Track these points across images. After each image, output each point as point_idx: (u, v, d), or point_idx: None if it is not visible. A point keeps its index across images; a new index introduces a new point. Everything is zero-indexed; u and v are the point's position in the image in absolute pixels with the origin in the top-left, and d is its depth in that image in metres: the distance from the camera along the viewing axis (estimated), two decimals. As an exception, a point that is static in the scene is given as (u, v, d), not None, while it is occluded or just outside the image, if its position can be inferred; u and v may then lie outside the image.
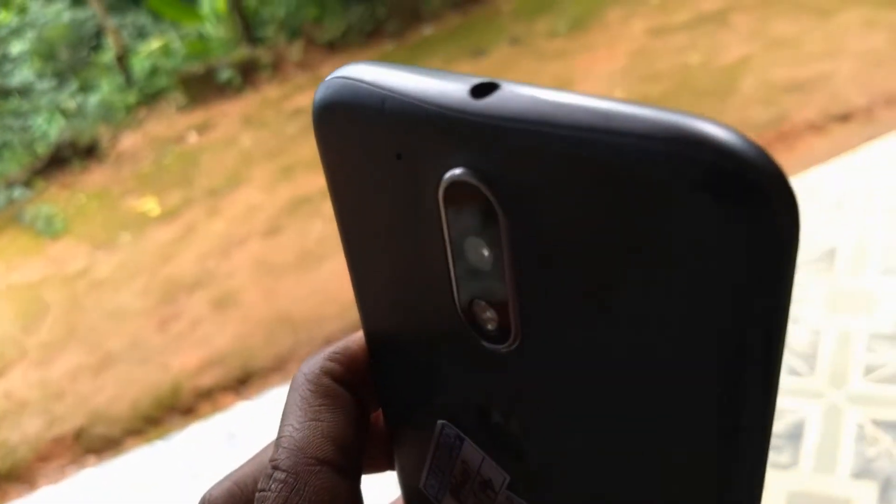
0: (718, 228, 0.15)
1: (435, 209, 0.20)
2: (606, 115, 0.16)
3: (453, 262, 0.21)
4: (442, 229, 0.21)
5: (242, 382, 1.97)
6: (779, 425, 1.28)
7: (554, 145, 0.17)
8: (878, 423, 1.25)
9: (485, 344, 0.22)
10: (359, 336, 0.27)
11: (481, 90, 0.18)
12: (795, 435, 1.28)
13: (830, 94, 2.43)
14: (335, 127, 0.22)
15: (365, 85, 0.21)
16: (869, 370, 1.35)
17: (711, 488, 0.19)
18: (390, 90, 0.20)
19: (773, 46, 3.04)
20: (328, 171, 0.24)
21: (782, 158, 2.18)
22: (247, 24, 5.47)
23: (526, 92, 0.18)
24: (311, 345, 2.01)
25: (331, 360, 0.26)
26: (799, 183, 1.94)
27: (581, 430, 0.21)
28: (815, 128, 2.27)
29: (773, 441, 1.19)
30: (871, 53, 2.67)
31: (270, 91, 4.74)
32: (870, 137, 2.06)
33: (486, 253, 0.20)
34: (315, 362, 0.25)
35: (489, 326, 0.21)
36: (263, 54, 5.18)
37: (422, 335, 0.24)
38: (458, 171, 0.19)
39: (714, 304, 0.16)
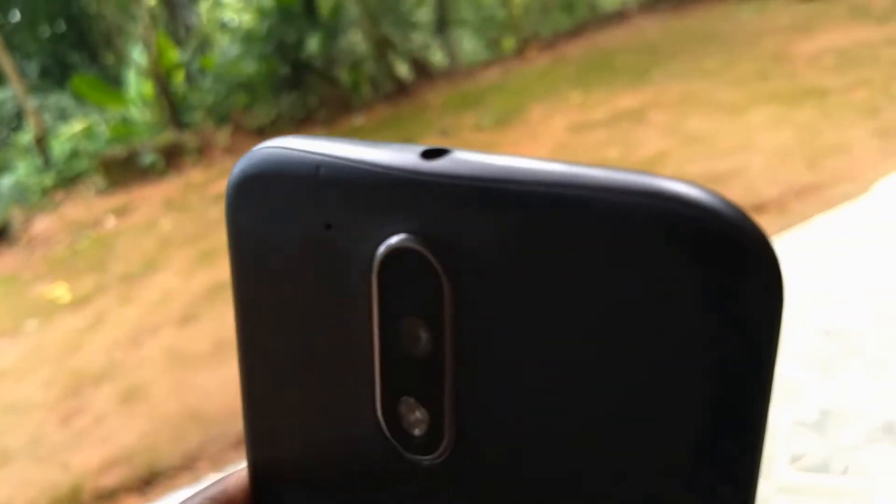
0: (709, 290, 0.14)
1: (364, 287, 0.18)
2: (574, 173, 0.15)
3: (381, 350, 0.18)
4: (371, 310, 0.18)
5: (148, 483, 1.84)
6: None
7: (520, 202, 0.15)
8: (806, 516, 1.24)
9: (407, 457, 0.18)
10: (238, 475, 0.23)
11: (432, 154, 0.17)
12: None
13: (744, 187, 2.53)
14: (253, 199, 0.20)
15: (297, 152, 0.19)
16: (794, 459, 1.34)
17: None
18: (328, 156, 0.19)
19: (689, 142, 3.17)
20: (235, 248, 0.21)
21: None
22: (174, 109, 5.44)
23: (479, 156, 0.17)
24: (222, 442, 1.90)
25: None
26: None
27: None
28: (732, 219, 2.34)
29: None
30: (781, 149, 2.81)
31: (195, 175, 4.68)
32: (783, 228, 2.13)
33: (423, 336, 0.17)
34: None
35: (416, 432, 0.18)
36: (189, 139, 5.14)
37: (325, 456, 0.21)
38: (400, 236, 0.17)
39: (703, 376, 0.15)
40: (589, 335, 0.15)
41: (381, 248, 0.17)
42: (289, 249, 0.19)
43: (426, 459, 0.18)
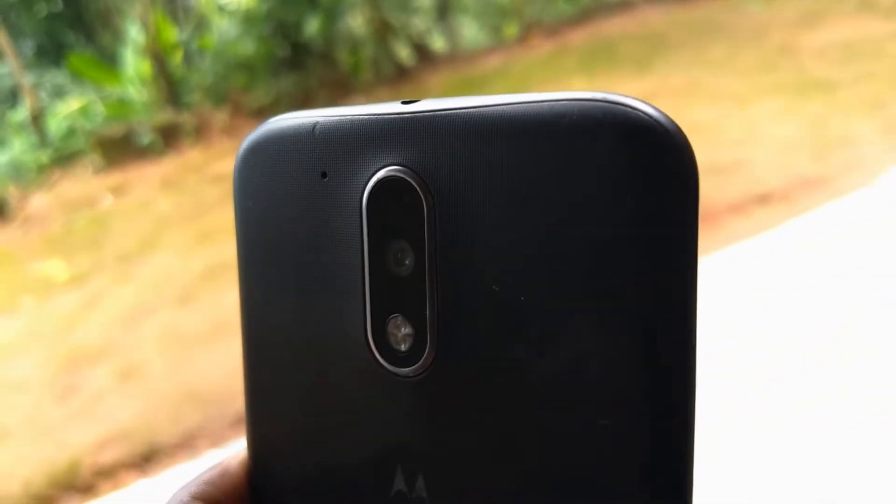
0: (636, 171, 0.18)
1: (356, 221, 0.20)
2: (527, 95, 0.18)
3: (370, 274, 0.20)
4: (361, 241, 0.20)
5: (147, 459, 1.84)
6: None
7: (485, 121, 0.18)
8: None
9: (394, 375, 0.20)
10: (237, 455, 0.25)
11: (409, 102, 0.20)
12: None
13: (748, 177, 2.52)
14: (257, 166, 0.22)
15: (295, 119, 0.22)
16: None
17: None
18: (322, 116, 0.21)
19: (692, 131, 3.11)
20: (240, 213, 0.23)
21: (705, 238, 2.22)
22: (172, 89, 5.40)
23: (447, 98, 0.20)
24: (221, 421, 1.90)
25: (205, 483, 0.24)
26: (719, 262, 1.97)
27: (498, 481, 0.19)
28: (736, 209, 2.33)
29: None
30: (786, 140, 2.80)
31: (192, 156, 4.65)
32: (788, 218, 2.13)
33: (407, 256, 0.20)
34: (185, 490, 0.23)
35: (403, 347, 0.20)
36: (187, 119, 5.10)
37: (318, 403, 0.23)
38: (387, 168, 0.20)
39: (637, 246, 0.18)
40: (552, 233, 0.18)
41: (371, 181, 0.20)
42: (288, 204, 0.22)
43: (411, 371, 0.20)
